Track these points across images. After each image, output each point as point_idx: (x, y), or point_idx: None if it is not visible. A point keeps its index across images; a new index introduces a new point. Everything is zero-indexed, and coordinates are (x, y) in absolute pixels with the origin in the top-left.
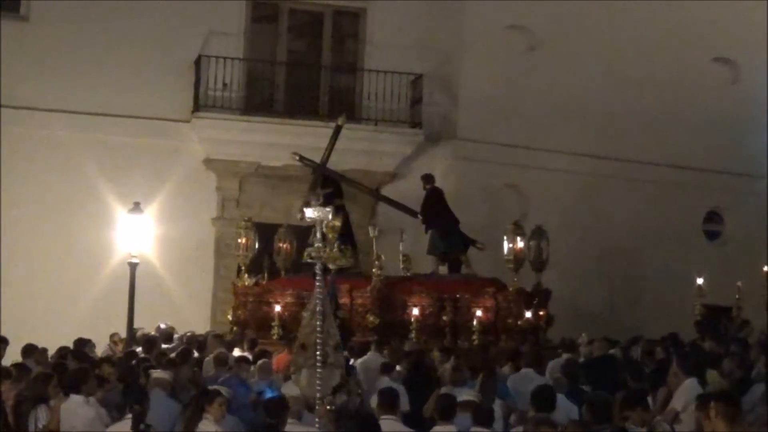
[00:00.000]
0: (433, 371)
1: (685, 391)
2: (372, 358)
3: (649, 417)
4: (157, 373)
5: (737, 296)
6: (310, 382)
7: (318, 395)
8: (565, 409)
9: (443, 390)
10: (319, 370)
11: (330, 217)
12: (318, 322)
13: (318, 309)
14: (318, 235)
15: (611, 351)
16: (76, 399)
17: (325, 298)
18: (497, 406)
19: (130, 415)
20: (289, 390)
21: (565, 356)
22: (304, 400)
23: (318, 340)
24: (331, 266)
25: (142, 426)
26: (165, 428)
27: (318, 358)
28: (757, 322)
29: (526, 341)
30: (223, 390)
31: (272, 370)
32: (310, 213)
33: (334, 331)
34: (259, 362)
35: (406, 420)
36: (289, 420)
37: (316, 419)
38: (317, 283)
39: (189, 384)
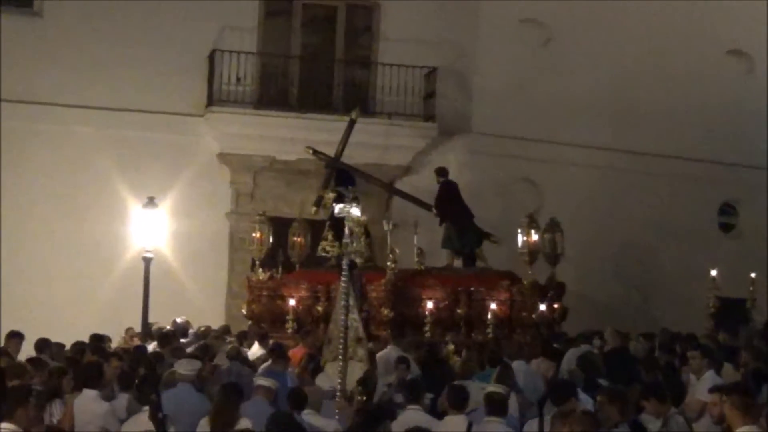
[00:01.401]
0: (446, 364)
1: (708, 382)
2: (391, 351)
3: (665, 409)
4: (182, 368)
5: (751, 288)
6: (334, 374)
7: (338, 387)
8: (583, 401)
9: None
10: (340, 363)
11: (358, 212)
12: (341, 317)
13: (342, 304)
14: (346, 231)
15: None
16: (89, 394)
17: (349, 293)
18: (512, 401)
19: (146, 408)
20: (322, 382)
21: (582, 348)
22: (323, 393)
23: (341, 335)
24: (357, 260)
25: (160, 415)
26: (194, 421)
27: (340, 351)
28: None
29: (539, 334)
30: (269, 382)
31: (288, 364)
32: (338, 209)
33: (357, 324)
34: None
35: None
36: (308, 411)
37: (336, 410)
38: (342, 279)
39: (211, 377)
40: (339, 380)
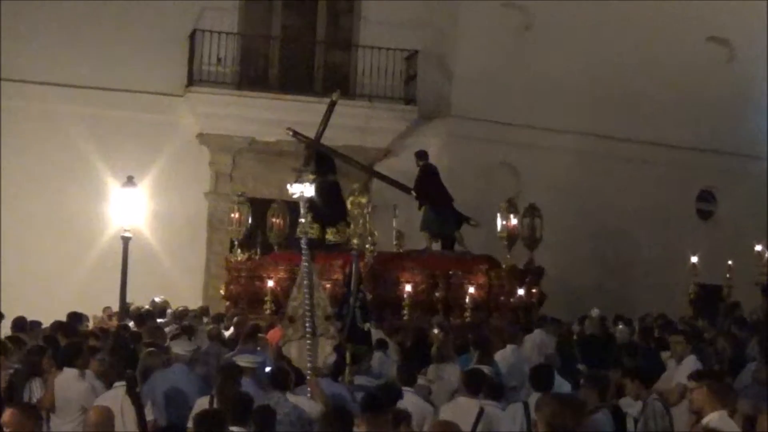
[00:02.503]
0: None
1: (688, 366)
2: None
3: (645, 393)
4: (178, 348)
5: (728, 275)
6: (301, 353)
7: (309, 366)
8: (559, 385)
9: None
10: (308, 341)
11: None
12: (306, 296)
13: (305, 282)
14: (302, 210)
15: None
16: (70, 372)
17: (311, 272)
18: None
19: (122, 383)
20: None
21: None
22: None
23: (306, 313)
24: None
25: (137, 390)
26: (187, 400)
27: (307, 329)
28: (749, 302)
29: (518, 319)
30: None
31: (267, 345)
32: (295, 188)
33: (324, 303)
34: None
35: None
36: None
37: (308, 389)
38: (303, 258)
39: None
40: (309, 358)
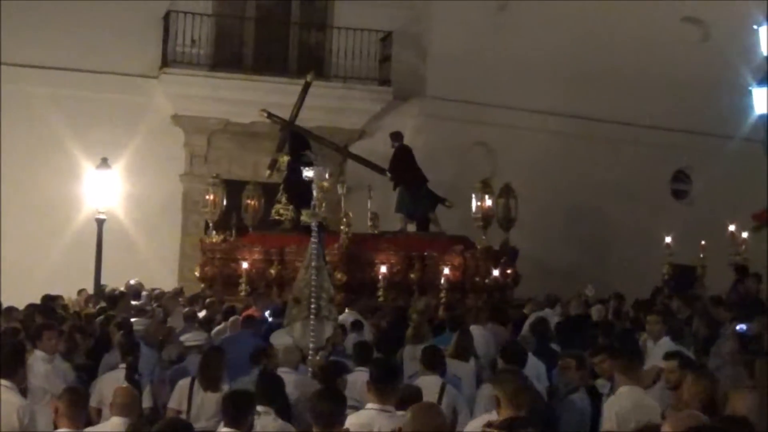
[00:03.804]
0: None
1: (664, 347)
2: (346, 317)
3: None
4: (191, 340)
5: (702, 255)
6: (304, 333)
7: (311, 346)
8: (534, 366)
9: (407, 347)
10: (312, 322)
11: (327, 176)
12: (313, 277)
13: (312, 264)
14: (314, 193)
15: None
16: (37, 354)
17: (320, 255)
18: (470, 365)
19: (123, 365)
20: (278, 339)
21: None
22: (299, 351)
23: (312, 294)
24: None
25: (136, 376)
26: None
27: (312, 310)
28: (722, 283)
29: (491, 299)
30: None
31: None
32: (308, 173)
33: (328, 285)
34: (231, 318)
35: None
36: (285, 369)
37: (309, 369)
38: (312, 240)
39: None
40: (312, 339)
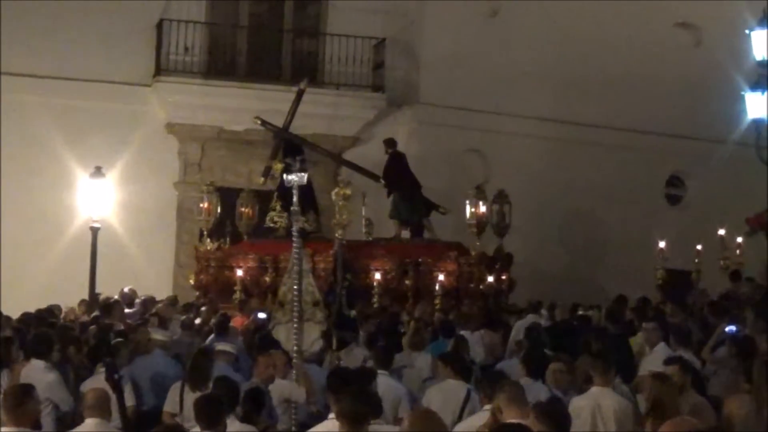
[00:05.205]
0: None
1: (660, 353)
2: None
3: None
4: (157, 335)
5: (696, 260)
6: (289, 336)
7: (295, 349)
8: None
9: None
10: (295, 325)
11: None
12: (295, 281)
13: (294, 269)
14: (295, 198)
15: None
16: (37, 364)
17: (301, 259)
18: None
19: (102, 369)
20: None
21: (529, 318)
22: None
23: (295, 298)
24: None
25: (116, 376)
26: (166, 384)
27: (295, 314)
28: (717, 287)
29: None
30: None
31: (237, 334)
32: (290, 178)
33: (313, 288)
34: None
35: None
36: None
37: (294, 372)
38: (294, 245)
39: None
40: (295, 342)
